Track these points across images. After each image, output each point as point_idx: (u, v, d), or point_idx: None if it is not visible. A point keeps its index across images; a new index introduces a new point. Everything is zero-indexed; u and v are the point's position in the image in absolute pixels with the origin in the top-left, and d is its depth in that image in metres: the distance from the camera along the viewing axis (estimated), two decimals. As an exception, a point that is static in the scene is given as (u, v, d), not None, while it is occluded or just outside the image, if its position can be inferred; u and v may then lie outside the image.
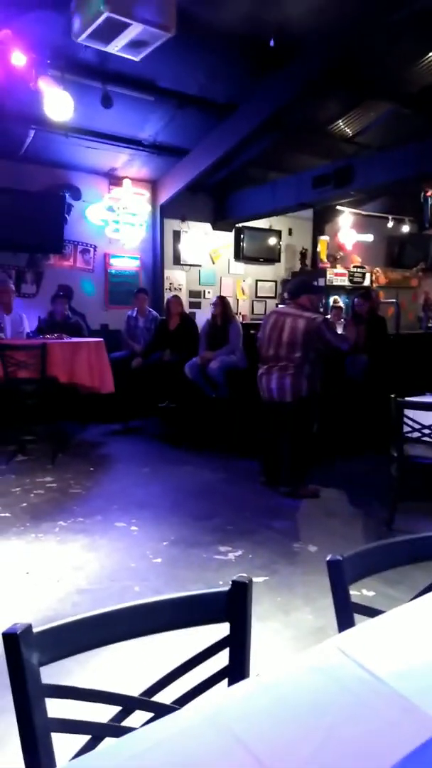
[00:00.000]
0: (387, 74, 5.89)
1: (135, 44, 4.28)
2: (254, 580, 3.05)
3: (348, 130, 7.00)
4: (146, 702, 0.98)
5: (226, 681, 1.06)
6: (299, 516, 3.93)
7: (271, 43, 4.85)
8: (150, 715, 0.99)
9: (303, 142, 7.14)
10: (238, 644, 1.03)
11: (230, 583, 1.07)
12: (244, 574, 1.09)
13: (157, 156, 7.14)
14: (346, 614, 1.15)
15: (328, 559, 1.17)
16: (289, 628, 2.56)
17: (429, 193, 7.94)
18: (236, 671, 1.02)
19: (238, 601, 1.04)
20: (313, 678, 0.91)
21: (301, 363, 4.15)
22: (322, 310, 8.23)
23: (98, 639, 1.00)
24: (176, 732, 0.80)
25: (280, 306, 4.54)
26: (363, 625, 1.09)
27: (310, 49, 5.21)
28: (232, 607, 1.04)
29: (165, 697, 1.04)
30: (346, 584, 1.17)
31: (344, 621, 1.15)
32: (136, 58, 4.50)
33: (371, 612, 1.16)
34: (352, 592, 2.78)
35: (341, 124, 6.85)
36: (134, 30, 4.05)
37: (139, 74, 5.53)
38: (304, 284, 4.65)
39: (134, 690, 1.06)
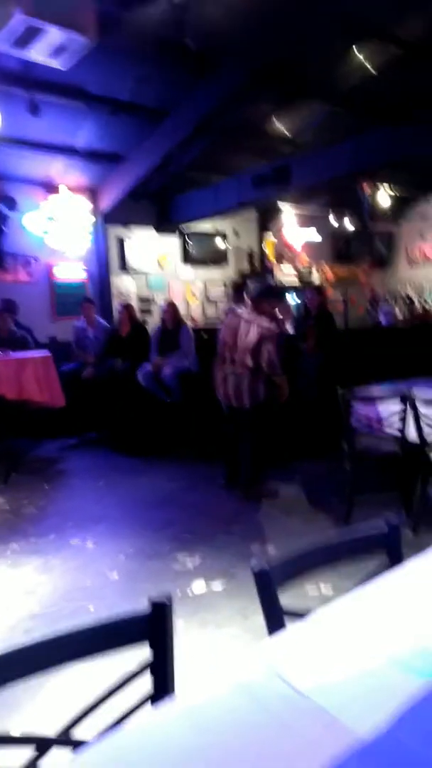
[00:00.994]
0: (317, 74, 5.96)
1: (57, 51, 4.19)
2: (213, 586, 3.01)
3: (285, 130, 7.06)
4: (62, 740, 0.91)
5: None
6: (258, 518, 3.91)
7: (188, 43, 4.81)
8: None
9: (241, 143, 7.17)
10: (160, 667, 0.97)
11: (150, 604, 1.02)
12: (165, 596, 1.04)
13: (94, 163, 7.04)
14: (276, 621, 1.11)
15: (254, 569, 1.13)
16: (248, 632, 2.52)
17: (366, 189, 8.09)
18: (160, 695, 0.97)
19: (159, 622, 0.99)
20: (235, 698, 0.86)
21: (255, 368, 4.11)
22: (281, 316, 8.29)
23: (9, 676, 0.93)
24: (82, 774, 0.75)
25: (238, 308, 4.37)
26: (291, 630, 1.06)
27: (236, 52, 5.22)
28: (153, 628, 0.99)
29: (86, 730, 0.98)
30: (274, 591, 1.13)
31: (274, 627, 1.11)
32: (63, 68, 4.40)
33: (301, 614, 1.13)
34: (309, 587, 2.78)
35: (277, 124, 6.90)
36: (52, 36, 3.96)
37: (66, 81, 5.43)
38: (266, 290, 4.46)
39: (57, 725, 1.00)
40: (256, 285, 4.42)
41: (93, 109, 6.02)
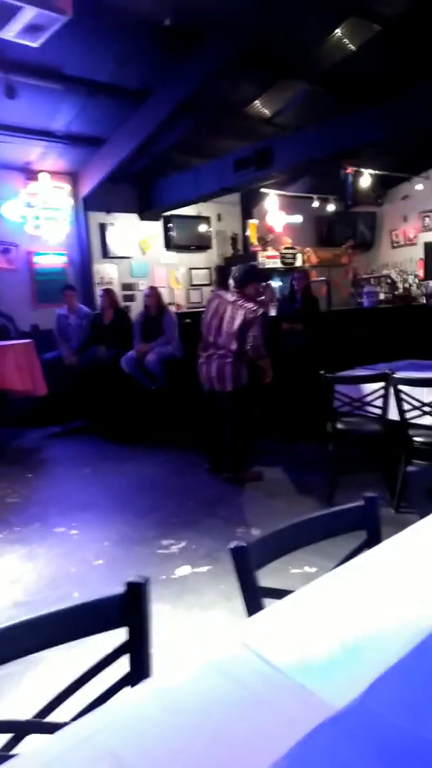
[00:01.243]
0: (296, 53, 5.88)
1: (31, 29, 4.08)
2: (197, 569, 3.02)
3: (266, 111, 6.98)
4: (38, 724, 0.91)
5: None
6: (243, 501, 3.92)
7: (167, 22, 4.71)
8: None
9: (222, 125, 7.07)
10: (137, 648, 0.97)
11: (124, 586, 1.01)
12: (141, 576, 1.03)
13: (73, 147, 6.90)
14: (253, 600, 1.11)
15: (231, 546, 1.13)
16: (234, 614, 2.53)
17: (348, 170, 8.04)
18: (137, 676, 0.96)
19: (135, 603, 0.98)
20: (209, 676, 0.86)
21: (240, 352, 4.10)
22: (263, 297, 8.26)
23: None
24: (54, 756, 0.74)
25: (223, 292, 4.35)
26: (269, 609, 1.06)
27: (217, 31, 5.13)
28: (129, 610, 0.98)
29: (66, 714, 0.98)
30: (252, 570, 1.13)
31: (252, 607, 1.11)
32: (35, 44, 4.30)
33: (279, 594, 1.13)
34: (293, 570, 2.80)
35: (258, 105, 6.82)
36: (28, 13, 3.85)
37: (42, 62, 5.30)
38: (250, 272, 4.43)
39: (32, 710, 0.99)
40: (240, 268, 4.39)
41: (71, 91, 5.89)
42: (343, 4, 5.23)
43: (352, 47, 5.83)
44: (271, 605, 1.10)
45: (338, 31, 5.63)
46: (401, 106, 5.40)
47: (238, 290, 4.20)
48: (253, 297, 4.27)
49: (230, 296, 4.20)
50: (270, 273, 8.68)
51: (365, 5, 5.27)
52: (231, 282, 4.27)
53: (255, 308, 4.14)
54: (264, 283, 4.40)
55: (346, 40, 5.74)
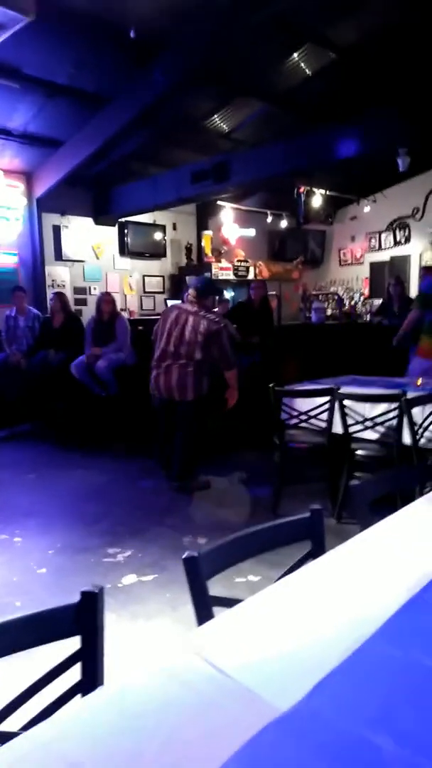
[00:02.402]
0: (254, 74, 6.04)
1: (-9, 27, 4.02)
2: (143, 578, 3.03)
3: (224, 126, 7.11)
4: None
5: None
6: (190, 510, 3.95)
7: (132, 34, 4.76)
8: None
9: (181, 137, 7.15)
10: (89, 657, 0.99)
11: (80, 596, 1.03)
12: (96, 586, 1.05)
13: (30, 147, 6.80)
14: (204, 609, 1.15)
15: (184, 557, 1.17)
16: (177, 623, 2.56)
17: (301, 190, 8.29)
18: (89, 684, 0.98)
19: (89, 612, 1.00)
20: (160, 682, 0.90)
21: (201, 362, 4.12)
22: (217, 308, 8.34)
23: None
24: (8, 765, 0.75)
25: (181, 303, 4.41)
26: (219, 617, 1.11)
27: (175, 46, 5.21)
28: (82, 619, 1.00)
29: (16, 723, 0.99)
30: (203, 579, 1.17)
31: (202, 615, 1.15)
32: (-4, 43, 4.23)
33: (229, 602, 1.18)
34: (238, 579, 2.86)
35: (217, 120, 6.94)
36: (-12, 12, 3.80)
37: (1, 60, 5.21)
38: (211, 285, 4.58)
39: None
40: (199, 279, 4.45)
41: (29, 91, 5.82)
42: (299, 31, 5.42)
43: (308, 72, 6.04)
44: (220, 614, 1.14)
45: (295, 56, 5.83)
46: (354, 129, 5.64)
47: (198, 301, 4.23)
48: (210, 308, 4.33)
49: (190, 306, 4.22)
50: (222, 285, 8.80)
51: (320, 33, 5.48)
52: (191, 292, 4.30)
53: (218, 319, 4.20)
54: (220, 297, 4.50)
55: (302, 65, 5.94)
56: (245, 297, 6.75)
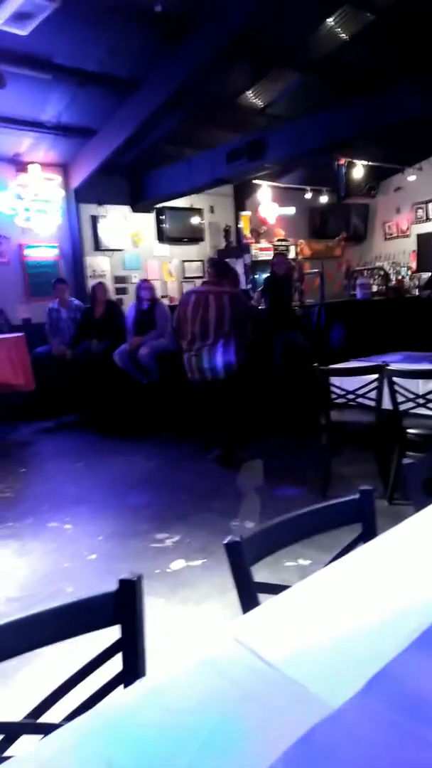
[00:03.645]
0: (290, 42, 5.82)
1: (20, 16, 4.01)
2: (191, 563, 3.01)
3: (258, 102, 6.92)
4: (31, 725, 0.89)
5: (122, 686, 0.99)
6: (236, 494, 3.90)
7: (158, 8, 4.64)
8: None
9: (215, 116, 7.00)
10: (130, 646, 0.95)
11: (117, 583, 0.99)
12: (134, 574, 1.01)
13: (64, 138, 6.82)
14: (248, 596, 1.10)
15: (225, 541, 1.11)
16: (227, 608, 2.52)
17: (341, 162, 8.00)
18: (130, 674, 0.95)
19: (128, 600, 0.96)
20: (203, 674, 0.85)
21: (229, 337, 4.18)
22: (249, 286, 8.23)
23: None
24: (47, 759, 0.72)
25: (195, 287, 4.61)
26: (264, 606, 1.05)
27: (208, 18, 5.07)
28: (122, 607, 0.96)
29: (59, 714, 0.96)
30: (247, 565, 1.11)
31: (247, 603, 1.10)
32: (24, 32, 4.23)
33: (275, 589, 1.12)
34: (287, 564, 2.80)
35: (251, 95, 6.76)
36: (16, 0, 3.78)
37: (31, 51, 5.21)
38: (227, 267, 4.79)
39: (25, 710, 0.98)
40: (216, 261, 4.88)
41: (61, 81, 5.81)
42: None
43: (345, 36, 5.77)
44: (266, 601, 1.08)
45: (331, 20, 5.58)
46: (394, 96, 5.37)
47: (216, 280, 4.46)
48: (230, 285, 4.54)
49: (208, 287, 4.44)
50: (263, 266, 8.66)
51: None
52: (209, 272, 4.61)
53: (235, 289, 4.46)
54: (234, 275, 4.77)
55: (339, 29, 5.68)
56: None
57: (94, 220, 7.93)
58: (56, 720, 0.93)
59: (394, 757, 0.69)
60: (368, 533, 1.33)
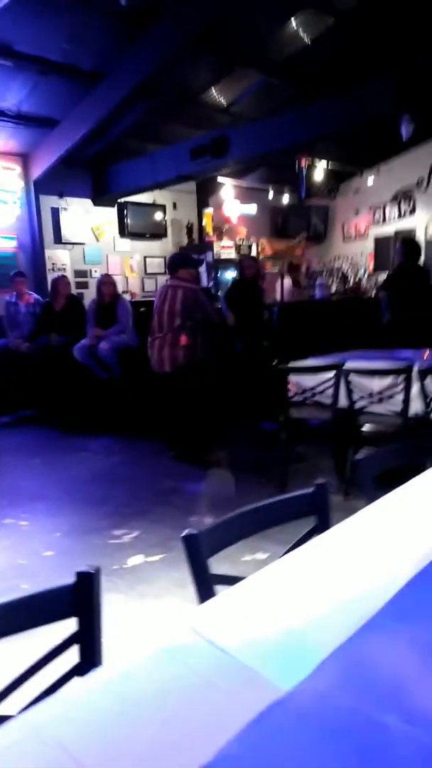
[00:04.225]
0: (253, 42, 5.87)
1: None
2: (150, 559, 3.01)
3: (222, 100, 6.95)
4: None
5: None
6: (196, 490, 3.94)
7: (123, 2, 4.61)
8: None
9: (179, 112, 6.99)
10: (87, 638, 0.96)
11: (74, 576, 1.00)
12: (91, 566, 1.02)
13: (25, 127, 6.68)
14: (205, 588, 1.12)
15: (183, 535, 1.14)
16: (187, 602, 2.54)
17: (303, 164, 8.11)
18: (87, 666, 0.96)
19: (85, 593, 0.97)
20: (159, 663, 0.87)
21: (177, 332, 4.26)
22: (211, 284, 8.26)
23: None
24: (2, 748, 0.73)
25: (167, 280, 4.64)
26: (220, 596, 1.07)
27: (172, 12, 5.05)
28: (79, 600, 0.97)
29: (14, 707, 0.96)
30: (204, 558, 1.14)
31: (204, 594, 1.12)
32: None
33: (231, 580, 1.14)
34: (245, 558, 2.84)
35: (215, 93, 6.78)
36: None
37: (-10, 36, 5.10)
38: (179, 258, 4.85)
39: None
40: (170, 257, 4.88)
41: (22, 68, 5.69)
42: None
43: (307, 40, 5.86)
44: (222, 592, 1.11)
45: (293, 23, 5.65)
46: (355, 97, 5.48)
47: (173, 276, 4.53)
48: (189, 280, 4.57)
49: (173, 282, 4.50)
50: (225, 264, 8.71)
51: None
52: (165, 271, 4.51)
53: (192, 287, 4.47)
54: (193, 269, 4.78)
55: (301, 32, 5.77)
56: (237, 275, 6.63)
57: (56, 212, 7.80)
58: (12, 713, 0.93)
59: (344, 737, 0.73)
60: (322, 525, 1.37)
